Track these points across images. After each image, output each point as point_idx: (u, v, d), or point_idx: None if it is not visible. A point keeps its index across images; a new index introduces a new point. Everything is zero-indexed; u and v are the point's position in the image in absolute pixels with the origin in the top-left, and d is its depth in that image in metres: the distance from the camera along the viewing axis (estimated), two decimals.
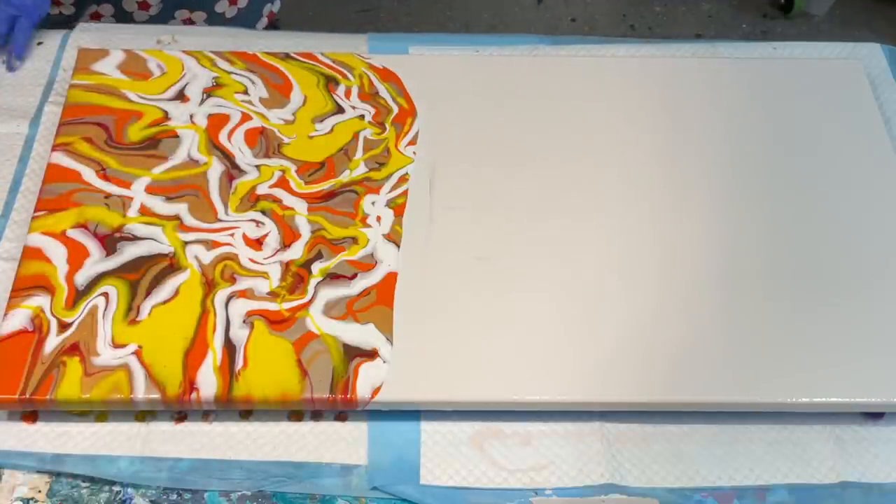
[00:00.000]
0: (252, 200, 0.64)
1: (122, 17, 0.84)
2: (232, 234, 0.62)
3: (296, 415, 0.58)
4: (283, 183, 0.65)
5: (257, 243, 0.62)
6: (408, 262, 0.62)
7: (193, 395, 0.55)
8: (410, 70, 0.73)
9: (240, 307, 0.59)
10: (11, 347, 0.56)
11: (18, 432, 0.56)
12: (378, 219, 0.64)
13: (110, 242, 0.61)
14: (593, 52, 0.78)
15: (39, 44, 0.76)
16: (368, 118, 0.70)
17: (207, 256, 0.61)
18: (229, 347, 0.57)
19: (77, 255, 0.60)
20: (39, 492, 0.54)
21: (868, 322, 0.60)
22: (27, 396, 0.54)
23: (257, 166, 0.66)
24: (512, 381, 0.57)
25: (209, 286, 0.60)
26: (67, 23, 0.79)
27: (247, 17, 0.89)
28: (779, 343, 0.59)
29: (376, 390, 0.56)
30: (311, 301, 0.59)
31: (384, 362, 0.57)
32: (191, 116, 0.68)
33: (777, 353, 0.59)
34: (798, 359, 0.59)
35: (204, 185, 0.65)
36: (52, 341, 0.56)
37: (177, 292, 0.59)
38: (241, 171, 0.66)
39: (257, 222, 0.63)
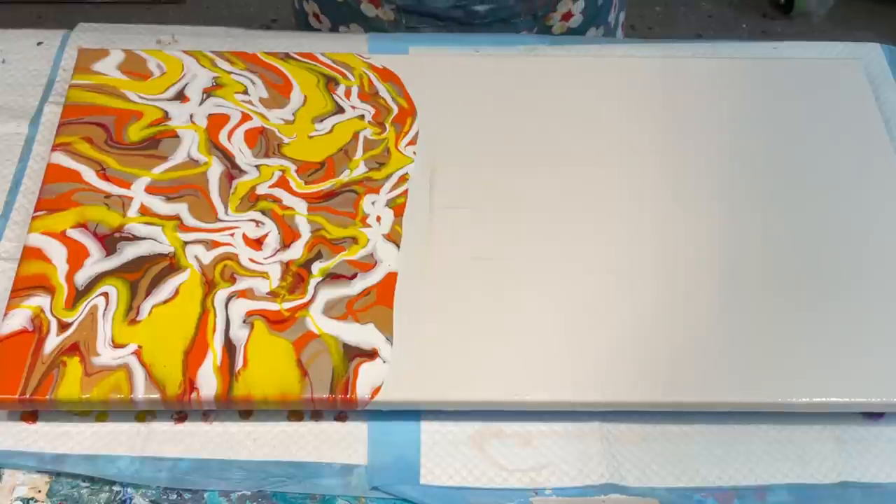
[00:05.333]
0: (252, 200, 0.64)
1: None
2: (232, 234, 0.62)
3: (296, 415, 0.58)
4: (283, 183, 0.65)
5: (257, 243, 0.62)
6: (408, 262, 0.62)
7: (193, 395, 0.55)
8: (410, 70, 0.73)
9: (240, 307, 0.59)
10: (11, 347, 0.56)
11: (18, 432, 0.56)
12: (378, 219, 0.64)
13: (110, 242, 0.61)
14: (593, 52, 0.78)
15: (39, 44, 0.76)
16: (368, 118, 0.69)
17: (207, 256, 0.61)
18: (229, 347, 0.57)
19: (77, 255, 0.60)
20: (39, 492, 0.54)
21: (868, 322, 0.60)
22: (27, 396, 0.54)
23: (257, 166, 0.66)
24: (512, 381, 0.57)
25: (209, 286, 0.60)
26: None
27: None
28: (779, 343, 0.59)
29: (376, 390, 0.56)
30: (311, 301, 0.59)
31: (384, 362, 0.57)
32: (191, 116, 0.68)
33: (777, 353, 0.59)
34: (798, 359, 0.59)
35: (204, 185, 0.65)
36: (52, 341, 0.56)
37: (177, 292, 0.59)
38: (241, 171, 0.66)
39: (257, 222, 0.63)
